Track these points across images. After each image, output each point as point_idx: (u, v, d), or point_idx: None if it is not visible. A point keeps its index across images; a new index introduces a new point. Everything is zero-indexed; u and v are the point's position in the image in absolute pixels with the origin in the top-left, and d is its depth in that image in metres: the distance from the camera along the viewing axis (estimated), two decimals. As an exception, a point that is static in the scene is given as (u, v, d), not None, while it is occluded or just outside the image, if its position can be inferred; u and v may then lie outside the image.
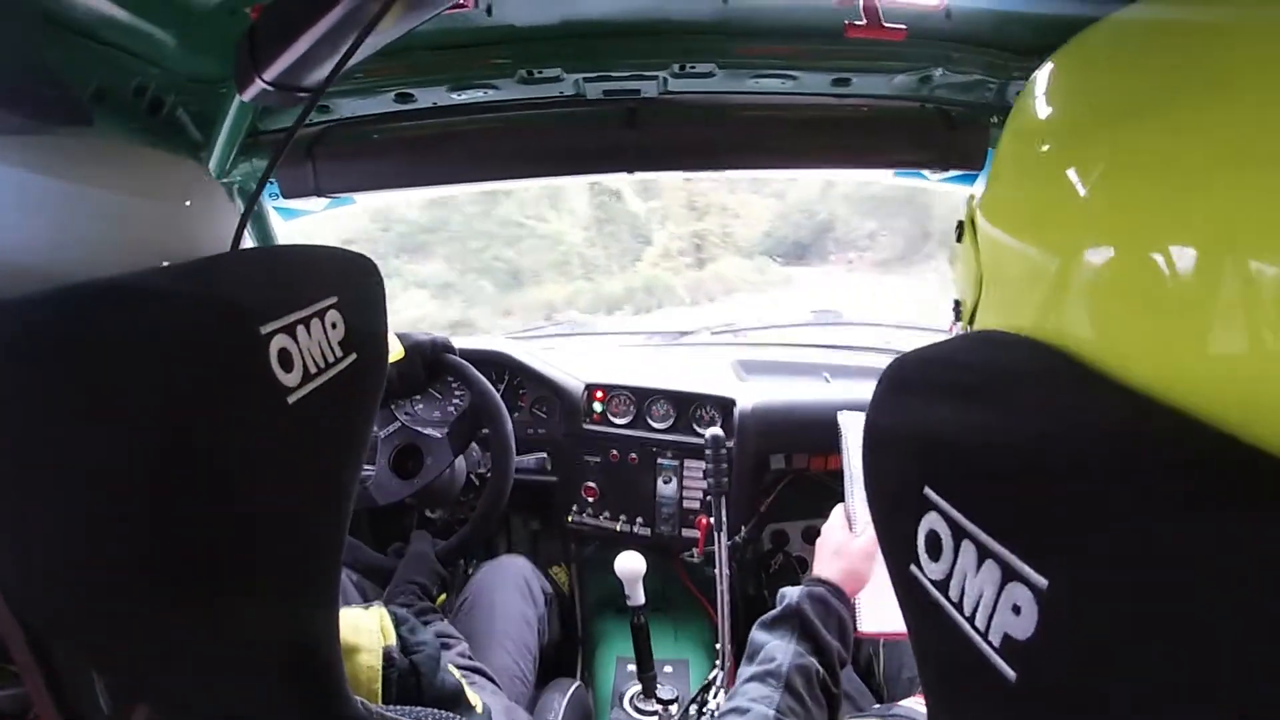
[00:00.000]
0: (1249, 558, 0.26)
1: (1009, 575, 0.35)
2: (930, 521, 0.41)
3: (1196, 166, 0.31)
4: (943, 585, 0.40)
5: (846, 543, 1.13)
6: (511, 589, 1.58)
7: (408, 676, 0.85)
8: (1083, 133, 0.39)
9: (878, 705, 1.28)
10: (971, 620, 0.37)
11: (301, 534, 0.60)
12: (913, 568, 0.43)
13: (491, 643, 1.44)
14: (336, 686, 0.64)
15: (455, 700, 0.93)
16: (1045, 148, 0.41)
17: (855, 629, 1.04)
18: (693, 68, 1.14)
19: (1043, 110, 0.43)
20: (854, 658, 1.40)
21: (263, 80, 0.69)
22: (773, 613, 1.01)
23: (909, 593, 0.44)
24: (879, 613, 1.10)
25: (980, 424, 0.39)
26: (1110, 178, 0.35)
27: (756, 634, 0.99)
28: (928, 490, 0.41)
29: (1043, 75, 0.44)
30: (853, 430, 1.33)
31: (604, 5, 1.05)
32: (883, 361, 1.97)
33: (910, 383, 0.47)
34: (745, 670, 0.93)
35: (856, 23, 0.91)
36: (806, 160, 1.38)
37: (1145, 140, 0.34)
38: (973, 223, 0.48)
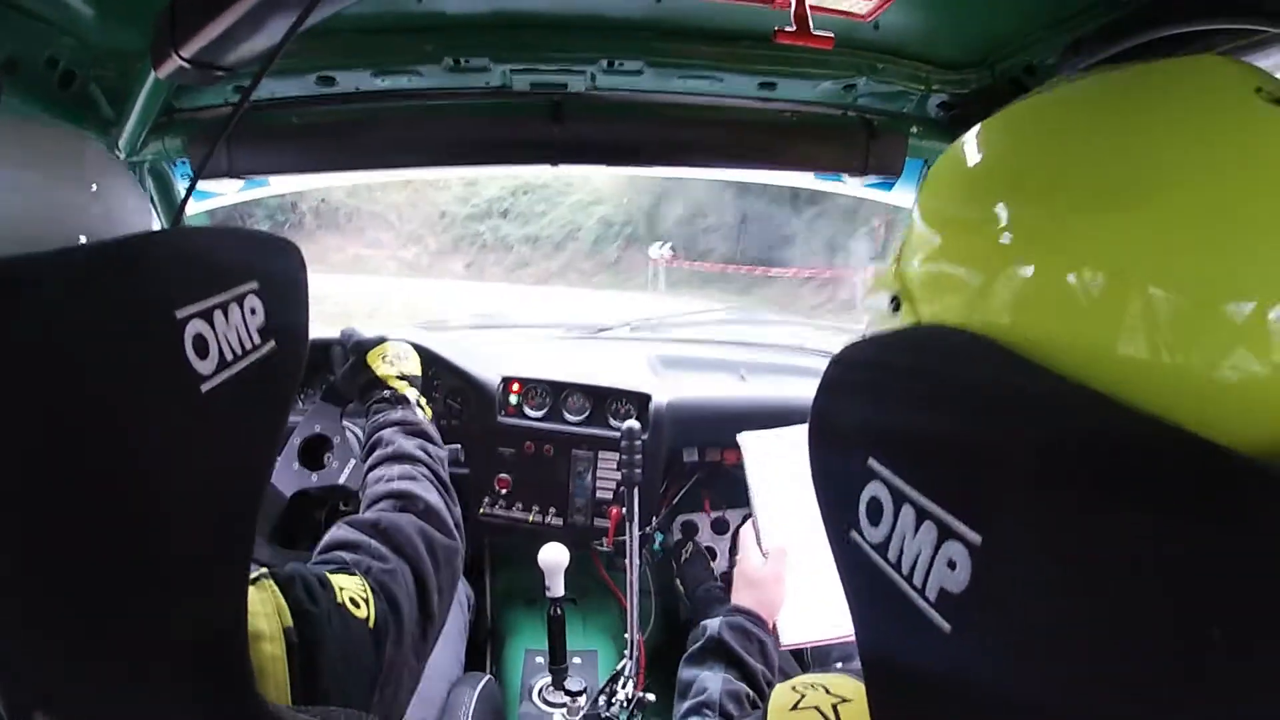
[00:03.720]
0: (1146, 508, 0.30)
1: (945, 534, 0.38)
2: (872, 490, 0.44)
3: (1092, 208, 0.37)
4: (881, 547, 0.44)
5: (757, 571, 1.20)
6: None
7: (313, 652, 0.77)
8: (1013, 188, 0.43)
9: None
10: (909, 578, 0.41)
11: (212, 528, 0.57)
12: (853, 533, 0.47)
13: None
14: (246, 687, 0.62)
15: (365, 645, 0.85)
16: (978, 188, 0.46)
17: (778, 644, 1.11)
18: (621, 65, 1.14)
19: (977, 160, 0.47)
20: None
21: (180, 57, 0.67)
22: (696, 646, 1.07)
23: (848, 558, 0.48)
24: (798, 626, 1.18)
25: (922, 399, 0.43)
26: (1030, 212, 0.41)
27: (685, 671, 1.04)
28: (871, 461, 0.44)
29: (978, 134, 0.48)
30: (753, 451, 1.37)
31: None
32: (796, 359, 2.06)
33: (861, 365, 0.50)
34: (680, 706, 0.98)
35: (786, 29, 0.93)
36: (729, 161, 1.40)
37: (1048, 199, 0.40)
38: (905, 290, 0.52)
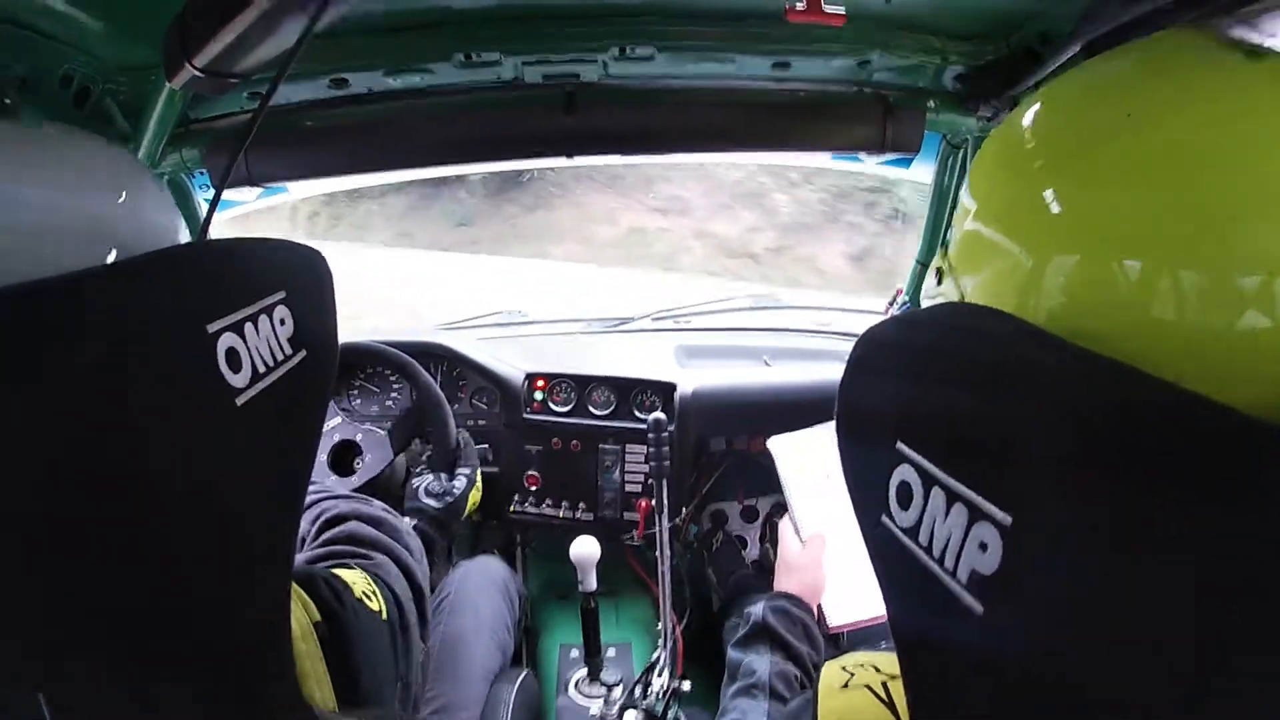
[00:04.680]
0: (1175, 483, 0.30)
1: (975, 515, 0.38)
2: (902, 473, 0.44)
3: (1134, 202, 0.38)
4: (912, 531, 0.44)
5: (797, 557, 1.24)
6: (494, 591, 1.58)
7: (347, 650, 0.77)
8: (1062, 159, 0.44)
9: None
10: (940, 561, 0.41)
11: (252, 539, 0.58)
12: (884, 518, 0.47)
13: (478, 643, 1.45)
14: (294, 693, 0.62)
15: (385, 639, 0.85)
16: (1034, 165, 0.46)
17: (827, 627, 1.16)
18: (633, 51, 1.13)
19: (1031, 136, 0.48)
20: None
21: (193, 67, 0.67)
22: (742, 631, 1.09)
23: (880, 543, 0.48)
24: (843, 607, 1.22)
25: (949, 380, 0.43)
26: (1080, 202, 0.41)
27: (733, 654, 1.07)
28: (900, 445, 0.44)
29: (1032, 108, 0.49)
30: (781, 454, 1.40)
31: None
32: (820, 343, 2.04)
33: (887, 347, 0.50)
34: (729, 688, 1.01)
35: (797, 6, 0.92)
36: (745, 144, 1.39)
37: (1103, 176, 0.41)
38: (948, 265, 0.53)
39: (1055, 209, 0.42)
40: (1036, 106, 0.48)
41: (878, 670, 0.66)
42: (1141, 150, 0.39)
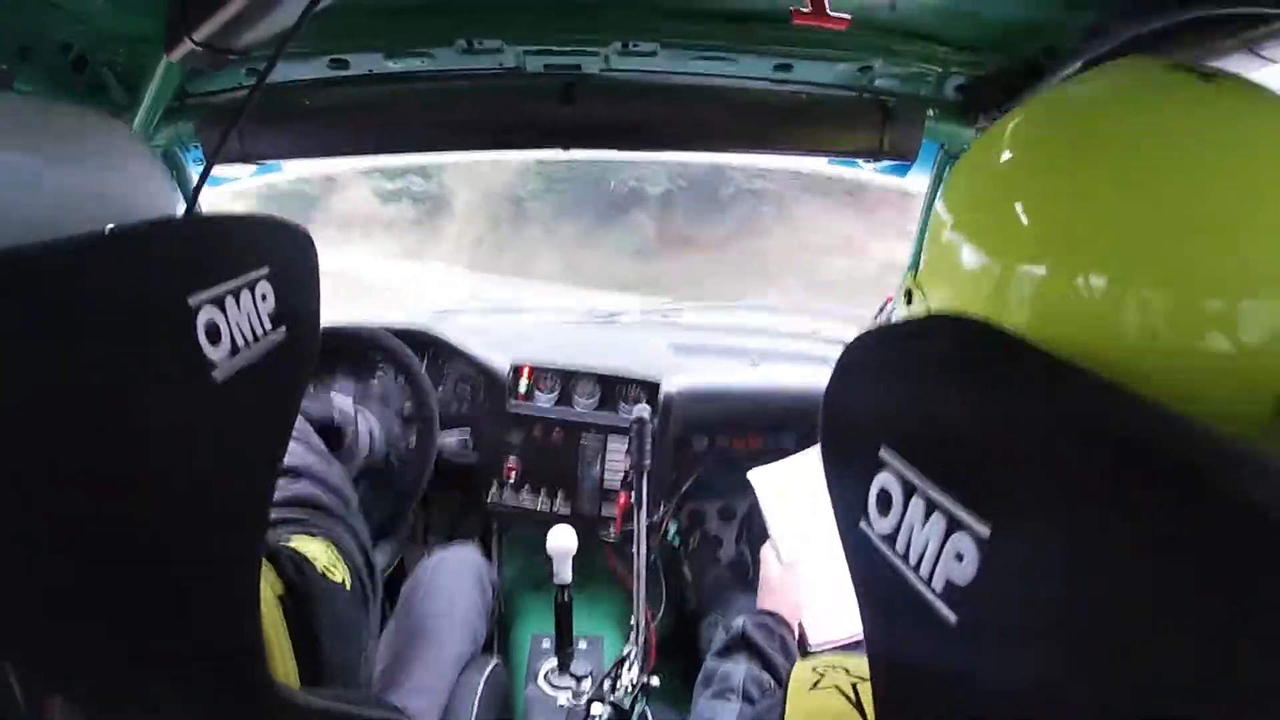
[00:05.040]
0: (1149, 496, 0.30)
1: (954, 525, 0.38)
2: (882, 480, 0.45)
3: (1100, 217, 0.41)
4: (890, 539, 0.44)
5: (778, 578, 1.28)
6: (469, 579, 1.58)
7: (309, 624, 0.76)
8: (1034, 174, 0.46)
9: None
10: (916, 569, 0.41)
11: (225, 513, 0.58)
12: (862, 524, 0.47)
13: (449, 630, 1.44)
14: (259, 668, 0.62)
15: (349, 611, 0.85)
16: (1008, 178, 0.48)
17: (808, 645, 1.20)
18: (636, 46, 1.13)
19: (1007, 150, 0.49)
20: None
21: (193, 41, 0.66)
22: (721, 641, 1.13)
23: (856, 548, 0.48)
24: (824, 625, 1.25)
25: (932, 388, 0.43)
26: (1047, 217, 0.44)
27: (710, 663, 1.09)
28: (883, 451, 0.45)
29: (1010, 123, 0.50)
30: (763, 485, 1.42)
31: None
32: (809, 347, 2.04)
33: (874, 354, 0.50)
34: (702, 693, 1.03)
35: (802, 10, 0.92)
36: (743, 145, 1.39)
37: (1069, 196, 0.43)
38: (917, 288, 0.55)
39: (1025, 221, 0.44)
40: (1014, 122, 0.50)
41: (848, 672, 0.66)
42: (1110, 170, 0.41)
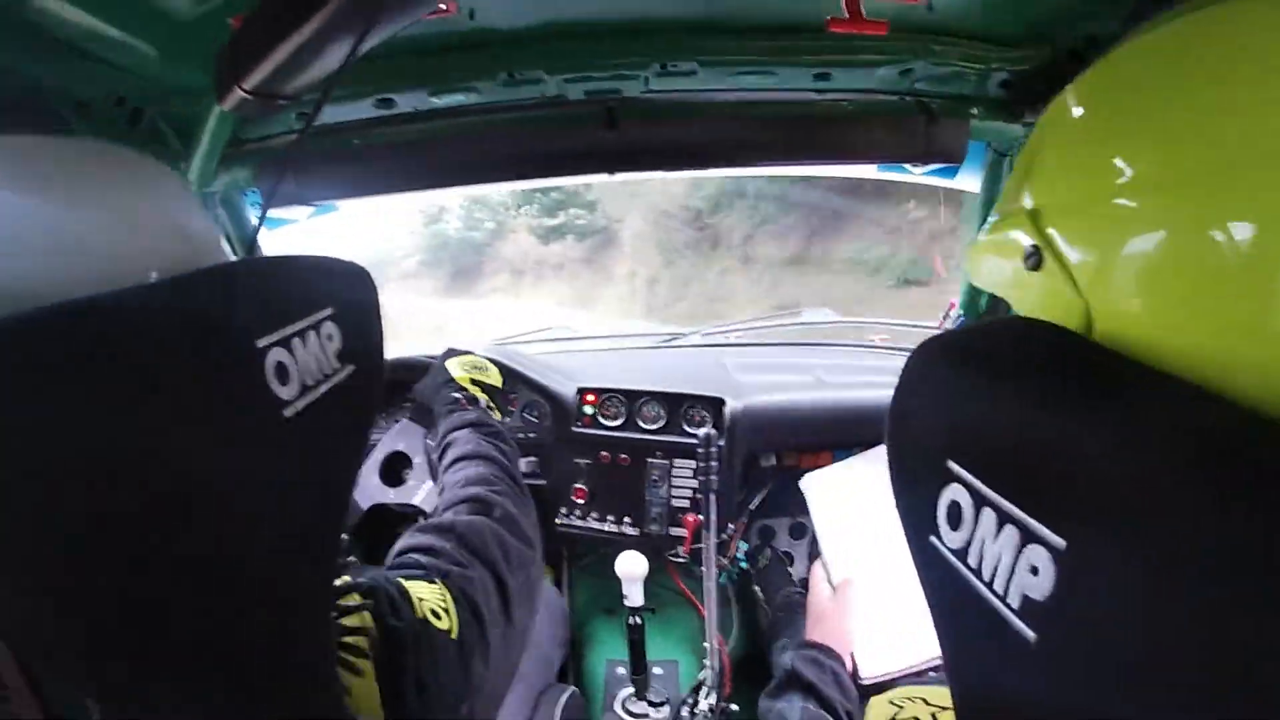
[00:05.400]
0: (1245, 523, 0.28)
1: (1027, 538, 0.37)
2: (951, 493, 0.43)
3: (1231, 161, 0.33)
4: (961, 553, 0.42)
5: (826, 606, 1.24)
6: (541, 608, 1.58)
7: (399, 669, 0.75)
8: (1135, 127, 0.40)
9: None
10: (990, 584, 0.40)
11: (296, 550, 0.59)
12: (932, 538, 0.45)
13: (528, 660, 1.42)
14: (335, 704, 0.63)
15: (449, 659, 0.82)
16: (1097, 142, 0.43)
17: (860, 680, 1.13)
18: (674, 66, 1.14)
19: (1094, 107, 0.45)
20: None
21: (243, 89, 0.69)
22: (774, 682, 1.10)
23: (928, 563, 0.47)
24: (877, 658, 1.17)
25: (1007, 398, 0.41)
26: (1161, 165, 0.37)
27: (763, 704, 1.07)
28: (950, 463, 0.43)
29: (1091, 79, 0.46)
30: (814, 491, 1.40)
31: (586, 5, 1.05)
32: (871, 360, 2.00)
33: (940, 362, 0.49)
34: None
35: (839, 18, 0.91)
36: (788, 157, 1.39)
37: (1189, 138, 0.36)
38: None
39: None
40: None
41: (927, 703, 0.64)
42: None
